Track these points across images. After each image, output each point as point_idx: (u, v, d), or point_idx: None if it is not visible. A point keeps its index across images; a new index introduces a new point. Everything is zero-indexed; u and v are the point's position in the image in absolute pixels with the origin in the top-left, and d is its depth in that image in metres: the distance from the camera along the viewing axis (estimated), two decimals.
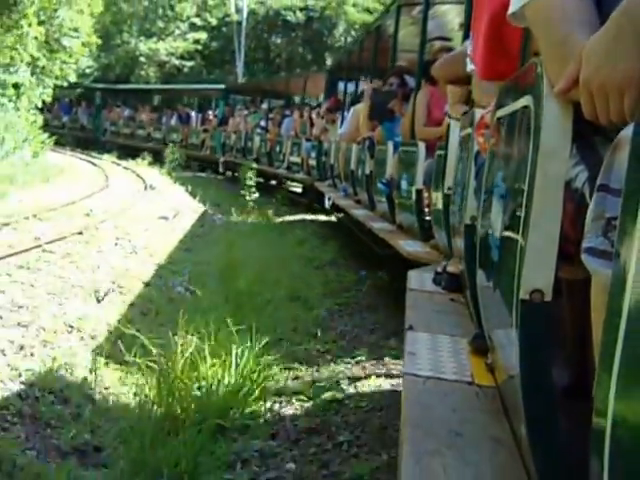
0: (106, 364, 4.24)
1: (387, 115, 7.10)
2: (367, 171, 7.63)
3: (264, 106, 20.28)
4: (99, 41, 19.58)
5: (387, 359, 4.62)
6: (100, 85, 31.16)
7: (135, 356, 4.01)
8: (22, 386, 3.73)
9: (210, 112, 24.00)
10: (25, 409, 3.49)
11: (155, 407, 3.55)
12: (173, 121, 26.19)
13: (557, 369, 1.38)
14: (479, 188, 2.29)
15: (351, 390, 4.11)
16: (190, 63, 30.52)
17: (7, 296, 5.19)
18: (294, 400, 4.01)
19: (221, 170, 20.74)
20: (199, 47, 32.42)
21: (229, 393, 3.74)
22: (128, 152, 24.78)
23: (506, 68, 2.12)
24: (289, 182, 16.19)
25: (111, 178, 16.03)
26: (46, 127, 20.47)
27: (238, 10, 32.49)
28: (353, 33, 29.22)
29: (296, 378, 4.37)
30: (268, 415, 3.81)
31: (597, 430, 0.78)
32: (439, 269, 3.66)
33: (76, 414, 3.60)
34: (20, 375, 3.86)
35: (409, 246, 4.93)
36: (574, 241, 1.20)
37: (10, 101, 12.56)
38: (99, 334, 4.79)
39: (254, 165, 14.15)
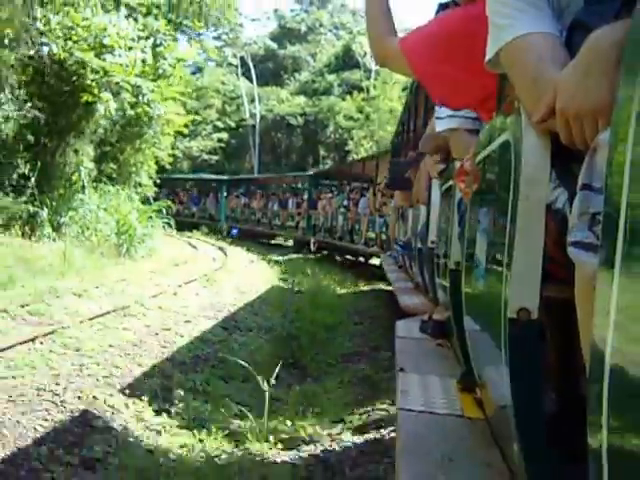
0: None
1: (405, 184, 7.19)
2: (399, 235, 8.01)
3: (348, 188, 21.26)
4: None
5: None
6: (224, 177, 34.25)
7: None
8: None
9: (303, 197, 25.57)
10: None
11: None
12: (275, 206, 27.50)
13: (549, 388, 1.36)
14: (462, 233, 2.31)
15: None
16: (215, 157, 36.83)
17: None
18: None
19: (312, 249, 21.14)
20: (222, 144, 40.11)
21: None
22: (247, 236, 26.48)
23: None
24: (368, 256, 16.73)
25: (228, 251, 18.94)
26: (178, 216, 24.53)
27: (252, 115, 41.52)
28: (340, 131, 39.63)
29: None
30: None
31: (593, 432, 0.77)
32: (425, 318, 3.66)
33: None
34: None
35: (407, 300, 5.01)
36: (558, 260, 1.21)
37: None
38: None
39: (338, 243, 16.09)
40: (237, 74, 44.63)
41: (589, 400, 0.79)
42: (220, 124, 39.89)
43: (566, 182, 1.25)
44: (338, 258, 19.48)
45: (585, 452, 0.79)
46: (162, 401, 4.79)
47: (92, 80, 13.55)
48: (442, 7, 3.73)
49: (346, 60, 45.23)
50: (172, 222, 17.82)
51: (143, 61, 14.85)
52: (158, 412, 4.60)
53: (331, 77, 45.37)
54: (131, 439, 4.13)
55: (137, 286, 9.90)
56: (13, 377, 4.82)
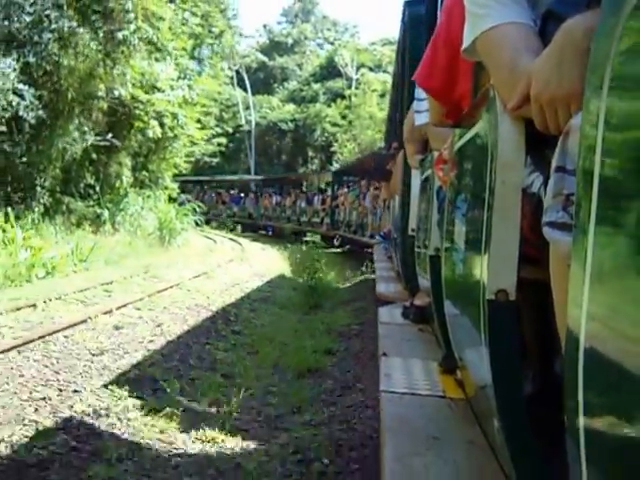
0: None
1: (386, 175, 7.23)
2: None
3: (363, 183, 21.19)
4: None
5: None
6: (258, 177, 37.10)
7: None
8: None
9: (328, 193, 25.99)
10: None
11: None
12: (303, 204, 27.90)
13: (526, 366, 1.39)
14: (441, 219, 2.33)
15: None
16: (215, 159, 40.07)
17: None
18: None
19: (336, 244, 21.79)
20: (222, 148, 43.62)
21: None
22: (280, 233, 26.94)
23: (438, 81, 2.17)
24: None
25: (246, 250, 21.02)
26: (220, 216, 31.29)
27: (247, 122, 47.29)
28: (326, 134, 45.27)
29: None
30: None
31: (570, 410, 0.79)
32: (407, 304, 3.68)
33: None
34: None
35: (383, 288, 5.03)
36: (534, 242, 1.23)
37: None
38: None
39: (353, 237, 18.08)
40: (233, 85, 48.83)
41: (565, 378, 0.81)
42: (219, 130, 42.19)
43: (541, 167, 1.27)
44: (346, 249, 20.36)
45: (563, 429, 0.81)
46: (253, 312, 8.83)
47: (144, 111, 18.14)
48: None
49: (329, 70, 50.37)
50: (202, 219, 22.79)
51: (183, 96, 19.85)
52: (254, 318, 8.44)
53: (316, 86, 50.46)
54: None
55: (194, 263, 13.90)
56: (174, 302, 8.74)
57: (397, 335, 3.08)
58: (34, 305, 7.40)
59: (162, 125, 18.83)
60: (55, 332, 6.05)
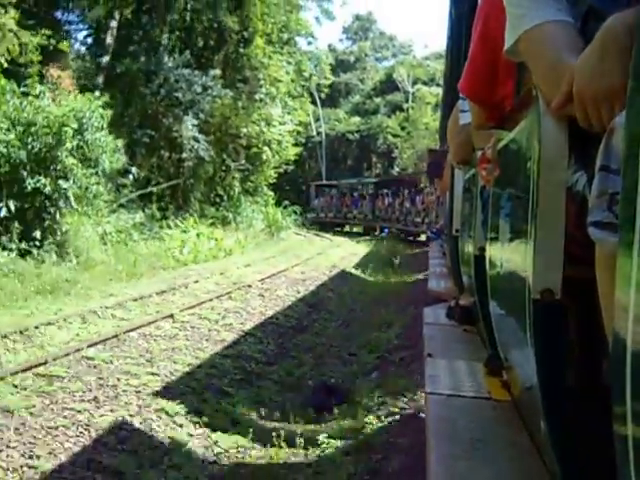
0: None
1: (440, 172, 7.16)
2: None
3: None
4: None
5: None
6: (372, 179, 39.62)
7: None
8: None
9: (405, 194, 29.08)
10: None
11: None
12: (407, 204, 28.64)
13: (572, 366, 1.36)
14: (485, 219, 2.30)
15: None
16: (292, 167, 41.96)
17: None
18: None
19: (411, 239, 26.60)
20: (297, 157, 47.56)
21: None
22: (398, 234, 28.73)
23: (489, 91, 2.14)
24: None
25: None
26: (342, 218, 36.79)
27: (318, 133, 53.78)
28: (387, 142, 52.22)
29: None
30: None
31: (618, 417, 0.78)
32: (452, 304, 3.65)
33: None
34: None
35: (435, 284, 5.03)
36: (580, 241, 1.21)
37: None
38: None
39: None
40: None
41: (612, 381, 0.79)
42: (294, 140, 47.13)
43: (585, 165, 1.25)
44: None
45: (611, 432, 0.79)
46: (359, 269, 16.60)
47: (259, 140, 25.96)
48: None
49: (388, 84, 56.97)
50: (300, 219, 32.29)
51: (291, 129, 29.27)
52: (362, 272, 16.30)
53: (377, 99, 57.48)
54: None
55: (303, 250, 20.96)
56: (314, 266, 16.56)
57: (442, 336, 3.06)
58: (180, 283, 11.81)
59: (270, 149, 26.77)
60: (263, 279, 12.95)
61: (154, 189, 20.44)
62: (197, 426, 5.19)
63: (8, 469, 3.96)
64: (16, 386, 5.38)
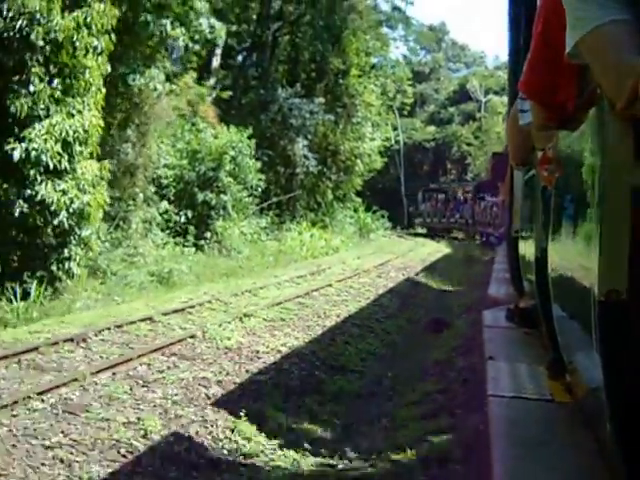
0: None
1: (503, 175, 7.09)
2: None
3: None
4: None
5: None
6: (471, 182, 42.35)
7: None
8: None
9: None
10: None
11: None
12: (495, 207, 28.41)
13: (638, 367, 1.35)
14: (547, 220, 2.28)
15: None
16: (371, 174, 43.84)
17: None
18: None
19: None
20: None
21: None
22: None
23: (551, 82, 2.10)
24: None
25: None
26: (448, 223, 38.10)
27: (397, 142, 55.25)
28: (461, 150, 55.66)
29: None
30: None
31: None
32: (511, 307, 3.62)
33: None
34: None
35: (494, 290, 4.98)
36: None
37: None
38: None
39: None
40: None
41: None
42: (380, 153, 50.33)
43: None
44: None
45: None
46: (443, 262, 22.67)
47: (353, 154, 30.13)
48: None
49: (461, 95, 59.74)
50: (388, 223, 37.69)
51: (379, 144, 33.94)
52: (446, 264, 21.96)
53: (451, 109, 60.54)
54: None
55: (395, 248, 26.14)
56: (409, 259, 22.45)
57: (502, 339, 3.04)
58: (320, 268, 17.07)
59: (362, 162, 30.71)
60: (375, 266, 18.35)
61: (275, 199, 25.49)
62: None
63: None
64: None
